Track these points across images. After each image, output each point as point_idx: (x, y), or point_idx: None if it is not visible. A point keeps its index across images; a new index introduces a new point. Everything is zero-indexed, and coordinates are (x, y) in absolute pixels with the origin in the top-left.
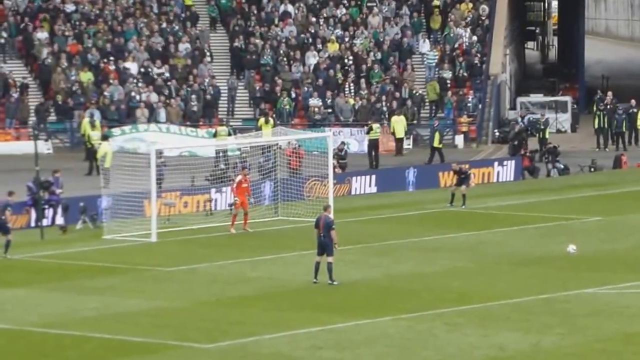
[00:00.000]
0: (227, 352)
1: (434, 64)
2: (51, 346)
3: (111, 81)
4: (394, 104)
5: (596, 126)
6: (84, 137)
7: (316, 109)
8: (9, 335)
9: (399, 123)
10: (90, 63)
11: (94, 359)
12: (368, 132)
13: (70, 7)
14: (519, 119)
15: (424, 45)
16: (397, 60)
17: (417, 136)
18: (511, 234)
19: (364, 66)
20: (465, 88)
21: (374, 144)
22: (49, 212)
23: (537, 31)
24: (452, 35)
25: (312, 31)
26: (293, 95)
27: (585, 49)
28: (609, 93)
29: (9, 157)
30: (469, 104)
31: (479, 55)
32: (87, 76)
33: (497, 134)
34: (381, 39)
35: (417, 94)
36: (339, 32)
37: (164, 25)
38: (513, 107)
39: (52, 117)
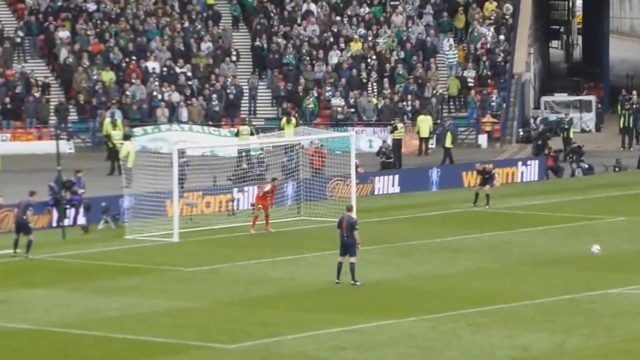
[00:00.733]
0: (250, 352)
1: (455, 63)
2: (73, 347)
3: (133, 81)
4: (417, 103)
5: (621, 125)
6: (106, 137)
7: (339, 109)
8: (31, 336)
9: (424, 122)
10: (112, 62)
11: (116, 359)
12: (392, 132)
13: (92, 6)
14: (532, 120)
15: (445, 45)
16: (421, 59)
17: (440, 136)
18: (535, 234)
19: (387, 65)
20: (489, 87)
21: (397, 144)
22: (71, 212)
23: (561, 30)
24: (475, 34)
25: (335, 30)
26: (315, 94)
27: (609, 48)
28: (634, 92)
29: (31, 157)
30: (492, 104)
31: (502, 54)
32: (108, 75)
33: (521, 133)
34: (404, 38)
35: (439, 94)
36: (362, 31)
37: (186, 24)
38: (537, 107)
39: (74, 117)
